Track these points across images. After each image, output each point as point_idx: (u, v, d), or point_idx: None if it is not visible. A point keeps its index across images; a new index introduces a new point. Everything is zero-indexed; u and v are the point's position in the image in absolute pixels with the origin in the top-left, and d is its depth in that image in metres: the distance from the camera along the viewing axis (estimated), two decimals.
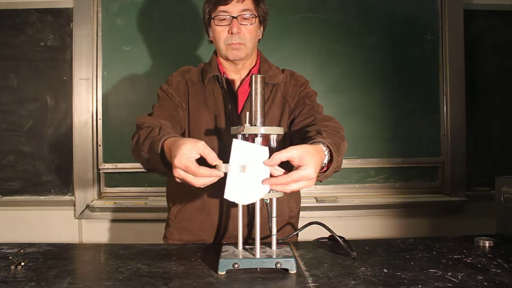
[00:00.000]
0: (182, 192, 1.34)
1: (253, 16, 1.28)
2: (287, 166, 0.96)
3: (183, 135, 1.34)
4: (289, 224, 1.42)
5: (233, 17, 1.25)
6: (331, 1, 2.22)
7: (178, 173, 0.95)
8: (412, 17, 2.26)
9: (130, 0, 2.19)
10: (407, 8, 2.25)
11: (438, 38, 2.26)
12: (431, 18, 2.26)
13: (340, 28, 2.22)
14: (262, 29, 1.37)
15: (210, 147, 1.03)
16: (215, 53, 1.39)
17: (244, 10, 1.25)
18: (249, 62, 1.37)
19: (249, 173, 0.94)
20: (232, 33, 1.25)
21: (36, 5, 2.19)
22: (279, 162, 0.92)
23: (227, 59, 1.32)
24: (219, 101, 1.32)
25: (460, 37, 2.24)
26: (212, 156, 0.94)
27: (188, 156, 0.93)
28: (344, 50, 2.22)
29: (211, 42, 1.37)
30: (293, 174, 0.92)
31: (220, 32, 1.27)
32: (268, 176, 0.95)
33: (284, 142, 1.34)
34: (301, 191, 1.92)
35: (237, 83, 1.36)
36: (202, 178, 0.94)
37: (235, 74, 1.36)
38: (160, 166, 1.06)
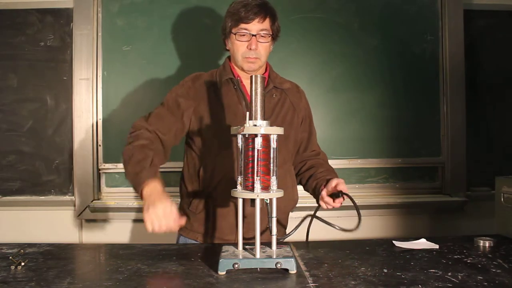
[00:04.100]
0: (202, 186, 1.41)
1: (269, 35, 1.42)
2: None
3: (188, 131, 1.43)
4: (278, 223, 1.46)
5: (253, 35, 1.39)
6: (331, 1, 2.22)
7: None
8: (412, 17, 2.25)
9: (130, 0, 2.19)
10: (407, 8, 2.25)
11: (438, 38, 2.26)
12: (431, 18, 2.26)
13: (340, 28, 2.22)
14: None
15: (224, 143, 1.35)
16: (229, 58, 1.52)
17: (262, 29, 1.39)
18: (260, 70, 1.50)
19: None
20: (250, 48, 1.39)
21: (36, 5, 2.18)
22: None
23: (242, 69, 1.46)
24: (233, 101, 1.41)
25: (460, 37, 2.24)
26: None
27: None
28: (344, 50, 2.22)
29: (227, 50, 1.49)
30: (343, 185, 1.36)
31: (239, 46, 1.41)
32: None
33: (295, 147, 1.52)
34: (300, 191, 1.90)
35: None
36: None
37: (247, 79, 1.44)
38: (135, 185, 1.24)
